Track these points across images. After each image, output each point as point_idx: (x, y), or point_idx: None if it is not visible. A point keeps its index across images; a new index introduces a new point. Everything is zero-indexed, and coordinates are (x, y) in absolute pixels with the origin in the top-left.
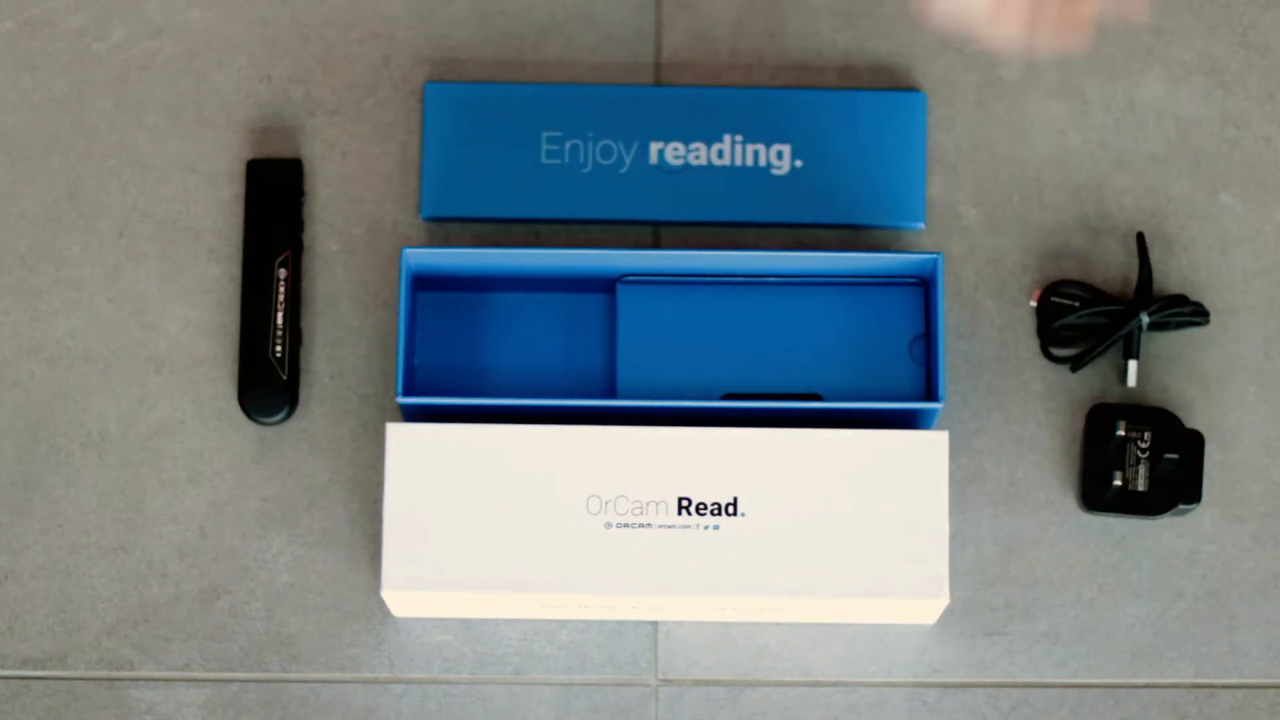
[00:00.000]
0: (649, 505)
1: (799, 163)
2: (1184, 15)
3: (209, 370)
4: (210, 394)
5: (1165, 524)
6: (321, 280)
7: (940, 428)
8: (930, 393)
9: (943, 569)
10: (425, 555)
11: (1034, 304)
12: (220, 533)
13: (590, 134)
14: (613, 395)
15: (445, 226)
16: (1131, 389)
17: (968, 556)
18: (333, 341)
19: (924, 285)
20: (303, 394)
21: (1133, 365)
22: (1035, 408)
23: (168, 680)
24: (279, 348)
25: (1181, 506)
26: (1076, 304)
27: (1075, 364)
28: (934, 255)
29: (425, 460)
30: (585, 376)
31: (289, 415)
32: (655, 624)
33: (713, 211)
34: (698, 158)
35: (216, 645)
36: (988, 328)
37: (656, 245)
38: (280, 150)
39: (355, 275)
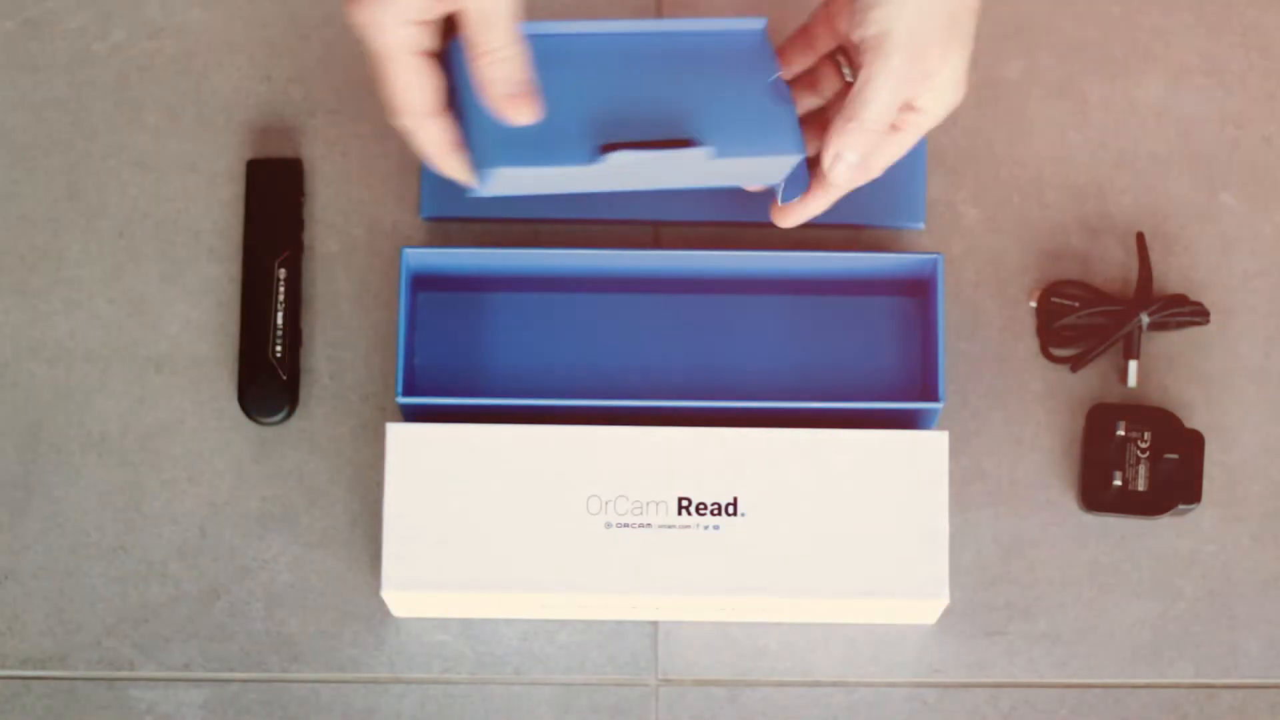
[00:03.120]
0: (649, 505)
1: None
2: (1184, 15)
3: (209, 370)
4: (210, 394)
5: (1165, 524)
6: (321, 280)
7: (940, 428)
8: (930, 393)
9: (943, 569)
10: (425, 555)
11: (1034, 304)
12: (220, 533)
13: None
14: (613, 395)
15: (445, 226)
16: (1131, 389)
17: (968, 556)
18: (333, 341)
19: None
20: (303, 394)
21: (1133, 365)
22: (1035, 408)
23: (168, 680)
24: (279, 348)
25: (1181, 506)
26: (1076, 304)
27: (1075, 364)
28: (934, 255)
29: (425, 460)
30: (585, 376)
31: (289, 415)
32: (655, 624)
33: (713, 211)
34: None
35: (216, 645)
36: (988, 328)
37: (656, 245)
38: (280, 150)
39: (355, 275)
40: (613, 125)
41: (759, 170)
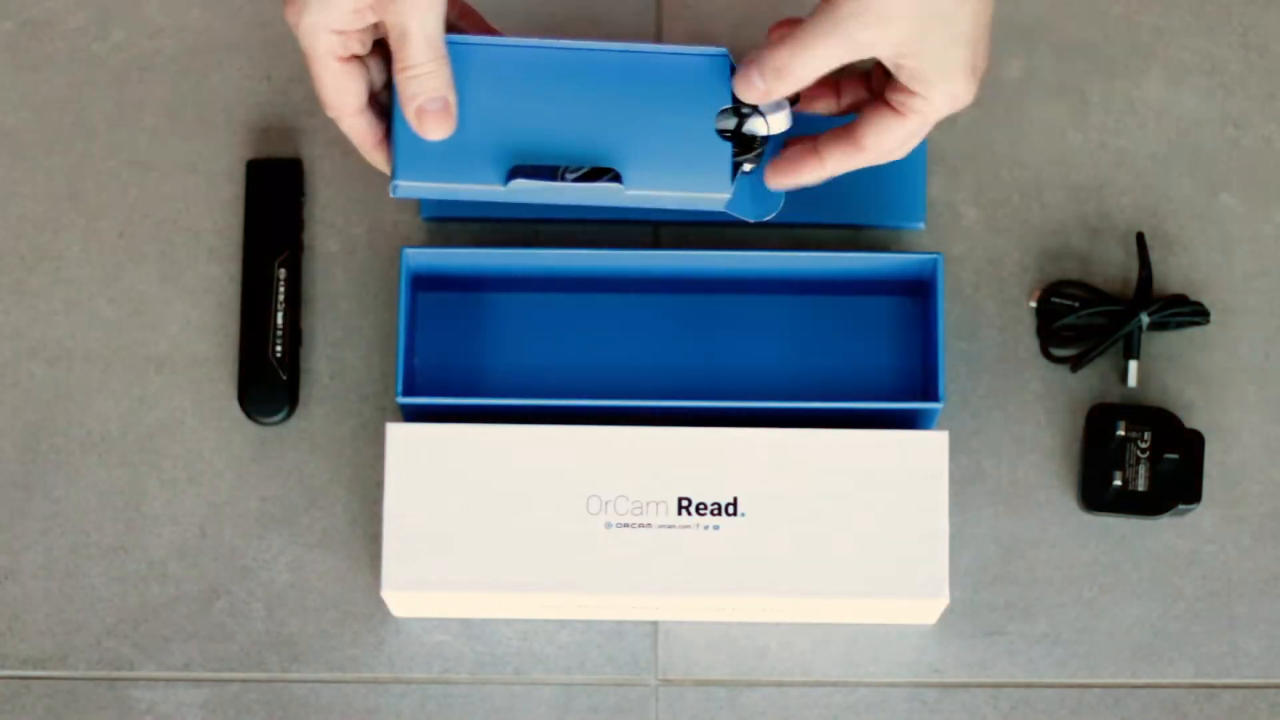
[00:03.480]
0: (649, 505)
1: None
2: (1184, 15)
3: (209, 370)
4: (210, 394)
5: (1165, 524)
6: (321, 280)
7: (940, 428)
8: (930, 393)
9: (943, 569)
10: (425, 555)
11: (1034, 304)
12: (220, 533)
13: None
14: (613, 395)
15: (445, 226)
16: (1131, 389)
17: (968, 556)
18: (333, 341)
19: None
20: (303, 394)
21: (1133, 365)
22: (1035, 408)
23: (168, 680)
24: (279, 348)
25: (1181, 506)
26: (1076, 304)
27: (1075, 364)
28: (934, 255)
29: (425, 460)
30: (586, 376)
31: (289, 415)
32: (655, 624)
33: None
34: None
35: (216, 645)
36: (988, 328)
37: (656, 245)
38: (280, 150)
39: (355, 275)
40: (534, 148)
41: (689, 203)
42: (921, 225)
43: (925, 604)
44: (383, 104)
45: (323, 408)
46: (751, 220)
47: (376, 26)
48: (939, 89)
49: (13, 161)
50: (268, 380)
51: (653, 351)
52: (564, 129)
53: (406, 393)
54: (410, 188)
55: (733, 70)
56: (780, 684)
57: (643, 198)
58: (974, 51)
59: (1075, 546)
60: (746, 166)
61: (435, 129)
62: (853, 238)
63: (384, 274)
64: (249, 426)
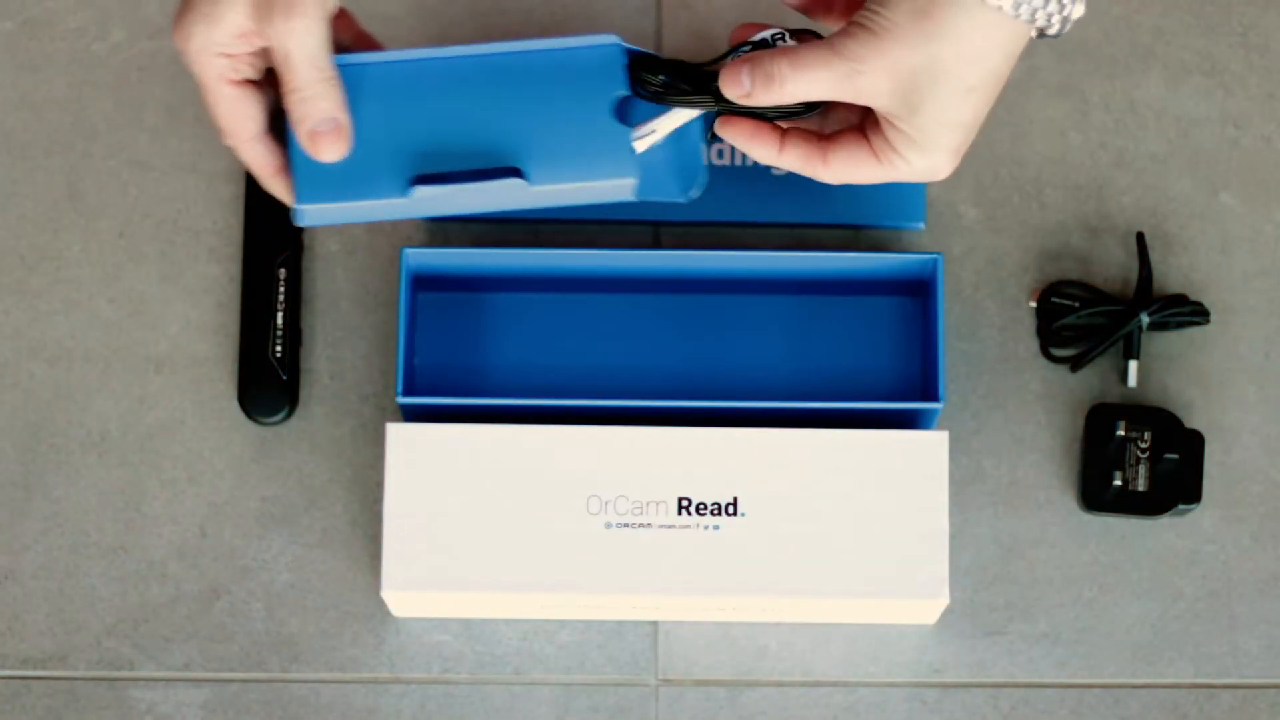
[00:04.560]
0: (649, 505)
1: None
2: (1184, 15)
3: (209, 370)
4: (210, 394)
5: (1165, 524)
6: (321, 280)
7: (940, 428)
8: (930, 393)
9: (943, 569)
10: (425, 555)
11: (1034, 304)
12: (220, 533)
13: None
14: (613, 395)
15: (445, 226)
16: (1131, 389)
17: (968, 556)
18: (333, 341)
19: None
20: (303, 394)
21: (1133, 365)
22: (1035, 408)
23: (168, 680)
24: (279, 348)
25: (1181, 506)
26: (1076, 304)
27: (1075, 364)
28: (934, 255)
29: (425, 460)
30: (585, 376)
31: (289, 415)
32: (655, 624)
33: (713, 211)
34: None
35: (216, 645)
36: (988, 328)
37: (656, 245)
38: None
39: (355, 275)
40: (434, 155)
41: (599, 192)
42: (921, 225)
43: (925, 604)
44: (282, 130)
45: (323, 408)
46: (681, 200)
47: (268, 53)
48: (921, 157)
49: (13, 161)
50: (268, 380)
51: (653, 351)
52: (463, 134)
53: (406, 393)
54: (313, 211)
55: (627, 56)
56: (780, 684)
57: (549, 193)
58: (964, 137)
59: (1075, 546)
60: (639, 146)
61: (329, 150)
62: (853, 238)
63: (384, 274)
64: (249, 426)
